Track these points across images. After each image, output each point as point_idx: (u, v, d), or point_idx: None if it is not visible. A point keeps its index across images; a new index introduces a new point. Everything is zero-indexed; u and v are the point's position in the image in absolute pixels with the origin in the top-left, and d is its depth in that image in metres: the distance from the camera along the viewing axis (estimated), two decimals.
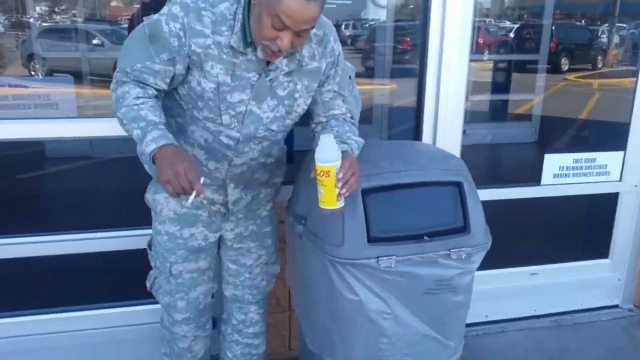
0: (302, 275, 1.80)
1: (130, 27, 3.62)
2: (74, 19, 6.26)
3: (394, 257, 1.54)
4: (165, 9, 1.46)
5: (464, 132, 5.30)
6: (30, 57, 5.48)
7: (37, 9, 5.96)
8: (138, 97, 1.45)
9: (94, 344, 2.26)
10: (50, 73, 5.47)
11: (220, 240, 1.84)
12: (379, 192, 1.58)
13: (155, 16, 1.47)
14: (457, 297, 1.65)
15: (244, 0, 1.45)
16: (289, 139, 2.47)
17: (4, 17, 5.83)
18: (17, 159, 2.95)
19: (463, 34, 2.33)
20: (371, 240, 1.54)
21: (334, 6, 2.26)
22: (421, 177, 1.63)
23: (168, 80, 1.50)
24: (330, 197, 1.42)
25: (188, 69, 1.49)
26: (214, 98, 1.51)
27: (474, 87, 5.72)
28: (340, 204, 1.44)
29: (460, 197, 1.63)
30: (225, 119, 1.54)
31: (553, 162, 2.66)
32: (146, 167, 1.70)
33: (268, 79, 1.52)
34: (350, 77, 1.70)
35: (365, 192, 1.56)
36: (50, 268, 2.24)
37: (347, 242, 1.53)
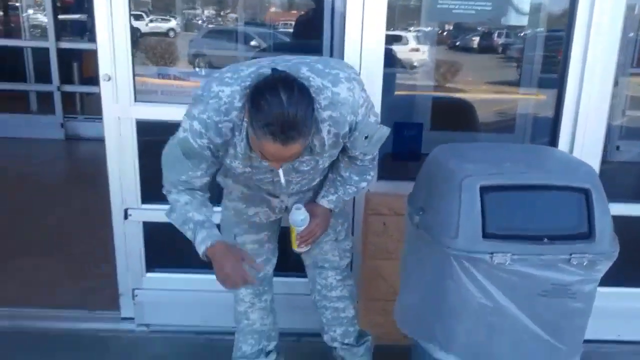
0: (415, 263, 1.85)
1: (295, 33, 3.97)
2: (236, 22, 6.80)
3: (509, 254, 1.54)
4: (186, 124, 1.55)
5: (617, 147, 4.95)
6: (196, 55, 6.06)
7: (206, 12, 6.55)
8: (186, 204, 1.66)
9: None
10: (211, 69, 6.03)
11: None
12: (499, 191, 1.59)
13: (180, 134, 1.57)
14: (575, 304, 1.61)
15: (241, 104, 1.51)
16: (417, 139, 2.54)
17: (182, 20, 6.51)
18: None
19: (610, 45, 2.22)
20: (486, 235, 1.56)
21: (473, 12, 2.27)
22: (545, 180, 1.61)
23: (212, 175, 1.70)
24: (293, 243, 1.87)
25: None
26: (244, 177, 1.73)
27: (634, 103, 5.30)
28: (299, 250, 1.90)
29: (587, 204, 1.58)
30: (262, 185, 1.78)
31: None
32: None
33: (284, 166, 1.58)
34: (366, 137, 1.65)
35: (485, 189, 1.57)
36: None
37: (461, 234, 1.56)
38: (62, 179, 4.92)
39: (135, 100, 2.31)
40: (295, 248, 1.88)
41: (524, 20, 2.33)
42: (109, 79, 2.25)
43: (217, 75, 1.56)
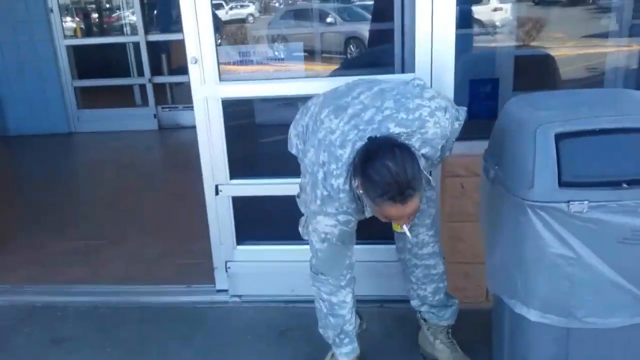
0: (493, 219, 1.87)
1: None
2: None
3: (587, 202, 1.53)
4: (332, 221, 1.76)
5: None
6: (274, 37, 6.19)
7: None
8: (350, 309, 1.94)
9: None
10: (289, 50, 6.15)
11: None
12: (575, 137, 1.57)
13: (331, 231, 1.79)
14: None
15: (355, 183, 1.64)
16: (493, 96, 2.52)
17: (260, 5, 6.68)
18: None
19: None
20: (563, 184, 1.55)
21: None
22: (622, 123, 1.57)
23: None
24: (395, 224, 1.76)
25: None
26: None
27: None
28: (402, 229, 1.74)
29: None
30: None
31: None
32: None
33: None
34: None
35: (559, 137, 1.56)
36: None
37: (537, 184, 1.57)
38: (158, 166, 5.27)
39: (220, 80, 2.46)
40: (399, 229, 1.82)
41: None
42: (196, 61, 2.42)
43: (325, 170, 1.70)
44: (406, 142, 1.64)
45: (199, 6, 2.36)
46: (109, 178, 4.80)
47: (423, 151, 1.70)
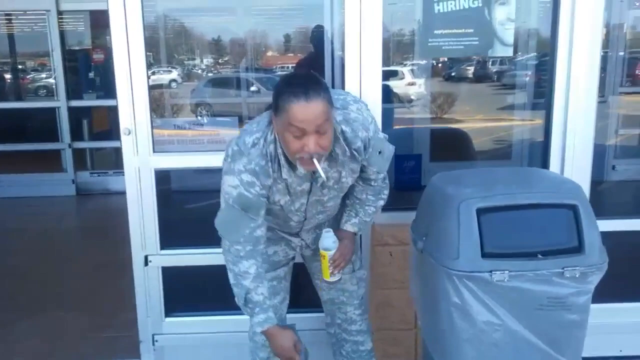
0: (422, 288, 1.97)
1: None
2: (235, 69, 7.03)
3: (507, 272, 1.67)
4: (233, 182, 1.72)
5: (613, 167, 5.06)
6: (198, 104, 6.26)
7: (205, 60, 6.79)
8: (254, 279, 1.79)
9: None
10: (214, 117, 6.22)
11: (302, 255, 2.17)
12: (494, 212, 1.72)
13: (231, 191, 1.73)
14: (571, 316, 1.72)
15: (272, 136, 1.72)
16: (416, 170, 2.70)
17: (183, 71, 6.75)
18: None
19: (591, 70, 2.42)
20: (485, 255, 1.69)
21: (462, 47, 2.45)
22: (536, 199, 1.74)
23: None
24: (325, 273, 1.97)
25: None
26: (281, 213, 1.89)
27: (628, 121, 5.45)
28: (332, 278, 1.98)
29: (575, 219, 1.72)
30: (293, 217, 1.92)
31: None
32: None
33: (319, 184, 1.81)
34: (380, 152, 1.86)
35: (481, 211, 1.71)
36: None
37: (462, 255, 1.69)
38: (77, 234, 5.06)
39: (154, 151, 2.49)
40: (328, 278, 1.97)
41: (509, 51, 2.51)
42: (129, 132, 2.43)
43: (243, 130, 1.78)
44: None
45: (134, 76, 2.41)
46: (23, 246, 4.54)
47: (341, 127, 1.74)
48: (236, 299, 1.83)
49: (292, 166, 1.73)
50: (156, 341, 2.68)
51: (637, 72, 6.74)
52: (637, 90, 6.56)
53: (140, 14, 2.37)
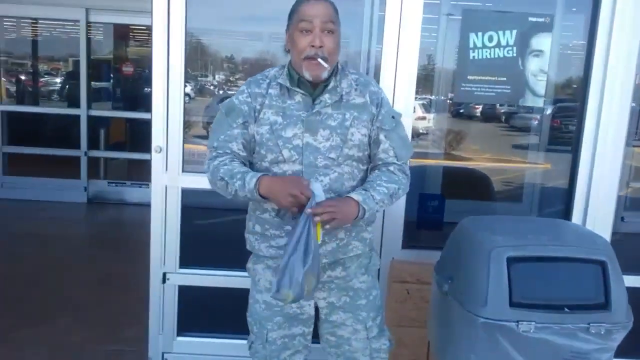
0: (442, 331, 1.98)
1: None
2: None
3: (534, 323, 1.68)
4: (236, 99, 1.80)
5: (622, 219, 5.09)
6: (210, 121, 6.28)
7: (217, 77, 6.85)
8: (226, 164, 1.73)
9: None
10: None
11: (316, 314, 1.90)
12: (524, 262, 1.75)
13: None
14: None
15: (276, 69, 1.81)
16: (439, 210, 2.73)
17: (196, 86, 6.82)
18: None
19: (620, 120, 2.47)
20: (513, 304, 1.70)
21: (493, 94, 2.50)
22: (566, 252, 1.77)
23: (246, 144, 1.77)
24: (318, 235, 1.64)
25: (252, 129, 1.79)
26: (270, 137, 1.73)
27: (637, 174, 5.49)
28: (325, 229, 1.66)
29: (603, 275, 1.74)
30: (285, 152, 1.72)
31: None
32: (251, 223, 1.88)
33: (315, 111, 1.72)
34: (393, 117, 1.81)
35: (511, 260, 1.73)
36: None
37: (490, 303, 1.71)
38: (87, 243, 5.06)
39: (183, 171, 2.52)
40: (319, 239, 1.65)
41: (539, 102, 2.57)
42: (161, 150, 2.47)
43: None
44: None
45: (171, 96, 2.46)
46: (32, 251, 4.55)
47: (353, 76, 1.81)
48: (223, 189, 1.75)
49: (292, 81, 1.75)
50: (166, 359, 2.67)
51: None
52: None
53: (182, 31, 2.43)
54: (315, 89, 1.75)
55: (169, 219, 2.54)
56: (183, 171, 2.52)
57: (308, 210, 1.59)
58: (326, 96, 1.74)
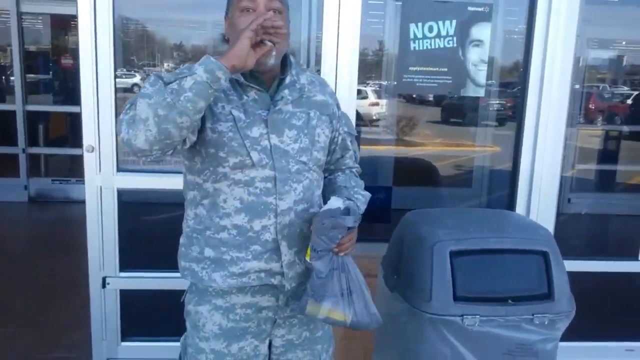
0: (389, 325, 1.95)
1: None
2: None
3: (478, 316, 1.67)
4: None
5: (568, 200, 5.21)
6: None
7: (165, 64, 6.63)
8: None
9: None
10: None
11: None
12: (467, 255, 1.73)
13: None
14: None
15: None
16: (386, 202, 2.70)
17: (144, 75, 6.60)
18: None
19: (560, 101, 2.47)
20: (457, 298, 1.69)
21: (436, 85, 2.48)
22: (508, 244, 1.76)
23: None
24: (307, 252, 1.48)
25: (201, 125, 1.42)
26: (235, 137, 1.43)
27: (582, 155, 5.63)
28: (314, 261, 1.47)
29: (546, 265, 1.74)
30: (255, 155, 1.44)
31: None
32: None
33: (277, 108, 1.48)
34: (345, 122, 1.70)
35: (454, 254, 1.71)
36: None
37: (434, 297, 1.69)
38: (27, 245, 4.84)
39: (118, 170, 2.40)
40: (309, 257, 1.48)
41: (481, 92, 2.56)
42: (93, 149, 2.34)
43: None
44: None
45: (101, 90, 2.33)
46: None
47: (308, 72, 1.61)
48: (153, 109, 1.26)
49: (243, 88, 1.47)
50: None
51: (590, 106, 7.02)
52: (591, 126, 6.83)
53: (110, 19, 2.31)
54: (269, 84, 1.51)
55: (105, 222, 2.42)
56: (118, 171, 2.40)
57: (337, 251, 1.46)
58: (286, 92, 1.50)
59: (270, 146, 1.46)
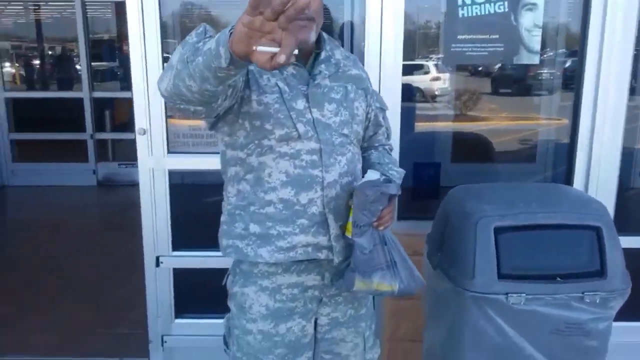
0: (434, 302, 1.91)
1: None
2: None
3: (524, 294, 1.60)
4: None
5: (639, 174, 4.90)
6: None
7: None
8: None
9: None
10: None
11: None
12: (513, 231, 1.66)
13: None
14: (590, 342, 1.65)
15: None
16: (435, 179, 2.63)
17: None
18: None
19: (622, 72, 2.32)
20: (502, 276, 1.62)
21: (486, 53, 2.38)
22: (557, 219, 1.67)
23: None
24: (349, 224, 1.48)
25: (245, 95, 1.40)
26: (281, 108, 1.42)
27: None
28: (356, 237, 1.46)
29: (599, 242, 1.64)
30: (300, 127, 1.43)
31: None
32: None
33: (316, 82, 1.47)
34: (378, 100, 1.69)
35: (498, 230, 1.65)
36: None
37: (477, 275, 1.63)
38: (95, 227, 5.09)
39: (169, 152, 2.46)
40: (350, 233, 1.47)
41: (535, 59, 2.43)
42: (144, 132, 2.41)
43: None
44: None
45: (150, 75, 2.37)
46: (40, 237, 4.59)
47: (354, 69, 1.57)
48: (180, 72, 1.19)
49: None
50: (165, 342, 2.66)
51: None
52: None
53: (156, 3, 2.32)
54: (305, 60, 1.49)
55: (158, 202, 2.49)
56: (169, 152, 2.46)
57: (377, 224, 1.48)
58: (322, 66, 1.49)
59: (314, 119, 1.45)
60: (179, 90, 1.22)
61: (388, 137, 1.73)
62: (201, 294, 2.82)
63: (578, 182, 2.44)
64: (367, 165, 1.62)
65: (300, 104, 1.44)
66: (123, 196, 5.60)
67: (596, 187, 2.40)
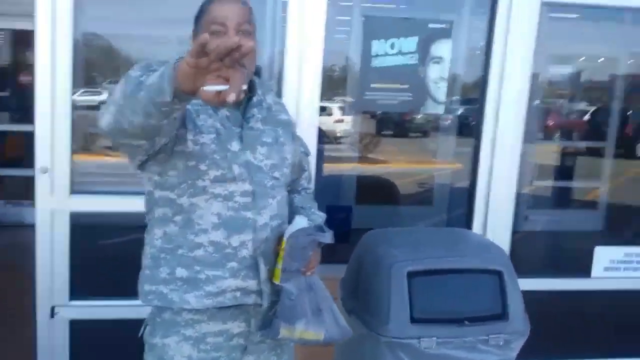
0: (348, 349, 1.93)
1: None
2: None
3: (435, 338, 1.67)
4: None
5: (525, 218, 5.28)
6: None
7: None
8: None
9: None
10: None
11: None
12: (424, 276, 1.73)
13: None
14: None
15: None
16: (346, 222, 2.69)
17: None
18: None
19: (517, 121, 2.50)
20: (414, 320, 1.68)
21: (396, 102, 2.50)
22: (463, 264, 1.77)
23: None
24: (277, 271, 1.47)
25: (180, 133, 1.37)
26: (217, 149, 1.42)
27: (541, 172, 5.72)
28: (283, 282, 1.47)
29: (500, 285, 1.76)
30: (235, 169, 1.44)
31: (604, 255, 2.69)
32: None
33: (249, 125, 1.49)
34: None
35: (411, 275, 1.71)
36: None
37: (392, 320, 1.68)
38: None
39: (72, 192, 2.32)
40: (278, 280, 1.46)
41: (440, 109, 2.58)
42: (46, 171, 2.26)
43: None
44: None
45: (58, 108, 2.24)
46: None
47: (282, 114, 1.61)
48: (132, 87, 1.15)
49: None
50: None
51: (549, 122, 7.16)
52: (549, 142, 6.96)
53: (70, 33, 2.21)
54: (238, 103, 1.47)
55: (56, 246, 2.33)
56: (72, 192, 2.32)
57: (304, 270, 1.51)
58: (255, 110, 1.52)
59: (247, 161, 1.47)
60: (120, 125, 1.20)
61: (309, 181, 1.77)
62: (107, 350, 2.64)
63: (477, 226, 2.59)
64: (290, 209, 1.63)
65: (235, 145, 1.46)
66: (9, 237, 5.19)
67: (493, 231, 2.55)
